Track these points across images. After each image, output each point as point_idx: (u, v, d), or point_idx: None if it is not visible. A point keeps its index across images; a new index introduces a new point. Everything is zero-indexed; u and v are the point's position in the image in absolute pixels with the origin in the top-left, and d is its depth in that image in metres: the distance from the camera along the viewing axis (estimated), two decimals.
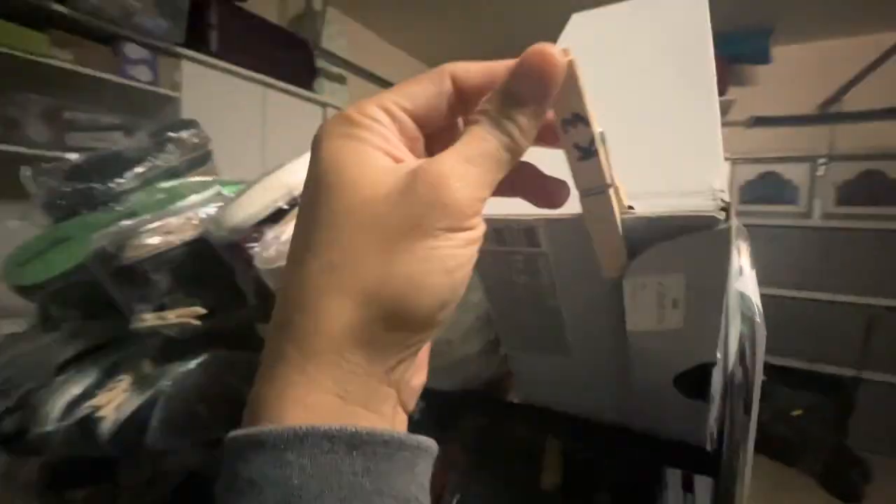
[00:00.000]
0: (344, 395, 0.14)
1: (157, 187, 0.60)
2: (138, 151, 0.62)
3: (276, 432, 0.13)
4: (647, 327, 0.25)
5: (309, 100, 2.23)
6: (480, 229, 0.16)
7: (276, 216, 0.41)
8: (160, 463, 0.57)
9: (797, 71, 2.50)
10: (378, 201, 0.15)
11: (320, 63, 2.31)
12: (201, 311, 0.44)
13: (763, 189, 2.53)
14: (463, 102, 0.17)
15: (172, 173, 0.64)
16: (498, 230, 0.25)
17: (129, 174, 0.59)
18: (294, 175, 0.43)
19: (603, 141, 0.17)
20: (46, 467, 0.54)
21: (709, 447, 0.32)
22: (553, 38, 0.32)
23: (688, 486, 0.42)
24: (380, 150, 0.16)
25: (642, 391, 0.31)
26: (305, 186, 0.16)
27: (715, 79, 0.27)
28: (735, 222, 0.20)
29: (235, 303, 0.49)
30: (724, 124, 0.24)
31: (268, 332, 0.16)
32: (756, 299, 0.29)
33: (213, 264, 0.45)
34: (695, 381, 0.28)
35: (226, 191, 0.62)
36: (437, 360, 0.22)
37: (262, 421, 0.14)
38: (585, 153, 0.17)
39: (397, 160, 0.16)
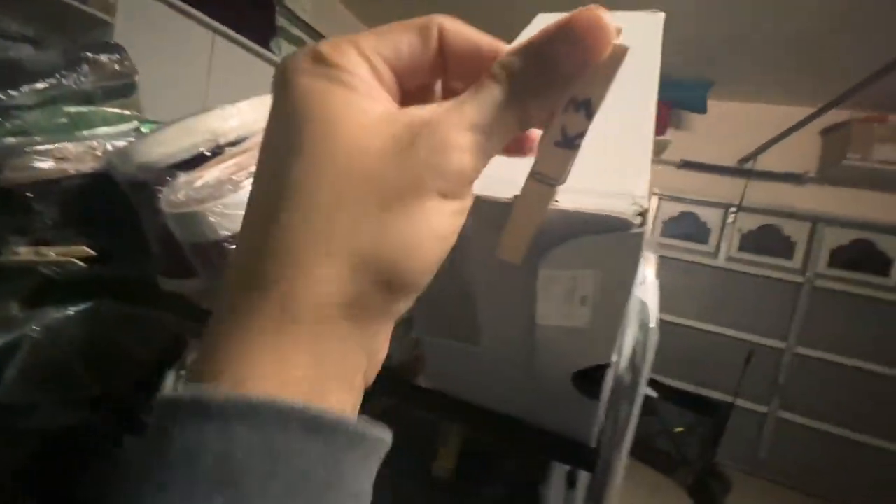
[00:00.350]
0: (321, 363, 0.13)
1: (62, 109, 0.53)
2: (43, 65, 0.54)
3: (228, 399, 0.11)
4: (554, 322, 0.26)
5: (263, 58, 2.09)
6: (470, 199, 0.15)
7: (195, 162, 0.38)
8: (18, 420, 0.50)
9: (726, 125, 2.77)
10: (371, 154, 0.13)
11: (281, 22, 2.17)
12: (90, 252, 0.39)
13: (681, 226, 2.81)
14: (444, 64, 0.16)
15: (84, 98, 0.57)
16: None
17: (25, 88, 0.51)
18: (223, 121, 0.40)
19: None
20: None
21: (593, 444, 0.35)
22: (517, 34, 0.33)
23: (571, 482, 0.45)
24: (365, 97, 0.14)
25: (542, 386, 0.32)
26: (271, 126, 0.14)
27: (655, 98, 0.29)
28: (649, 229, 0.21)
29: (136, 250, 0.44)
30: (658, 162, 0.25)
31: (230, 271, 0.14)
32: (654, 308, 0.31)
33: (114, 203, 0.40)
34: (591, 380, 0.30)
35: (146, 129, 0.56)
36: None
37: (216, 380, 0.12)
38: (567, 142, 0.16)
39: (386, 110, 0.14)
